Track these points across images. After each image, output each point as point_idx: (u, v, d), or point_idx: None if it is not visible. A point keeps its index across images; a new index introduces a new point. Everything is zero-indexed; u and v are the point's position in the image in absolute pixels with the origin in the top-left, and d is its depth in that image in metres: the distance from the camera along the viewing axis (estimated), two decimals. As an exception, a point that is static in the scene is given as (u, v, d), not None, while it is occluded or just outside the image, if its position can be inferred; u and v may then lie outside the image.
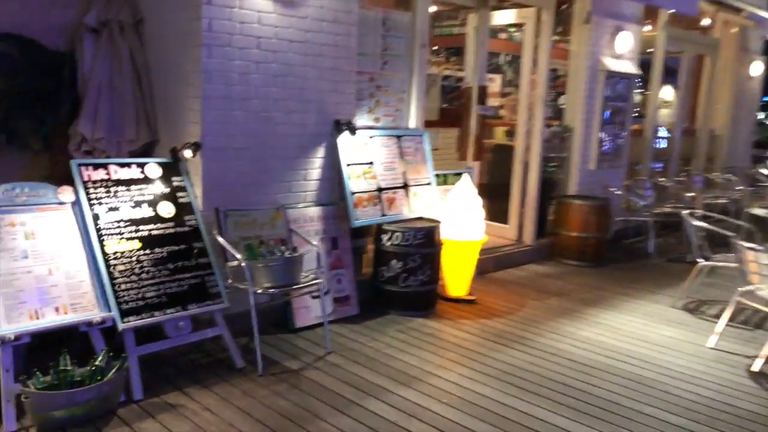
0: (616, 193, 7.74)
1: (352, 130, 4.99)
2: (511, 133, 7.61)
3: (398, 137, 5.51)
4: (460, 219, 5.55)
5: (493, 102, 10.24)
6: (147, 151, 4.71)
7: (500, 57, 10.85)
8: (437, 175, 5.99)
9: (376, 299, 5.29)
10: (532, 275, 6.68)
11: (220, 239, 4.19)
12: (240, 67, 4.39)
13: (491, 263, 6.70)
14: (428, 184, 5.71)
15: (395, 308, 5.23)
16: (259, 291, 4.06)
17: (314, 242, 4.79)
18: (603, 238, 7.20)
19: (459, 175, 6.15)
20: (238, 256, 4.05)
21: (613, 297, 6.03)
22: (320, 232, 4.97)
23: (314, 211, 4.95)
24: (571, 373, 4.28)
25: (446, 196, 5.80)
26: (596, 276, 6.75)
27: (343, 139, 5.03)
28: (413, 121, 5.73)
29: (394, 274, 5.15)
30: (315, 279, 4.35)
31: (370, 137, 5.29)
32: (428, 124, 9.19)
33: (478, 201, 5.69)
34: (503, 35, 10.40)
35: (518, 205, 7.22)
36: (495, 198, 7.84)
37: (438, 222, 5.41)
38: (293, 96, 4.72)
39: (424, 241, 5.14)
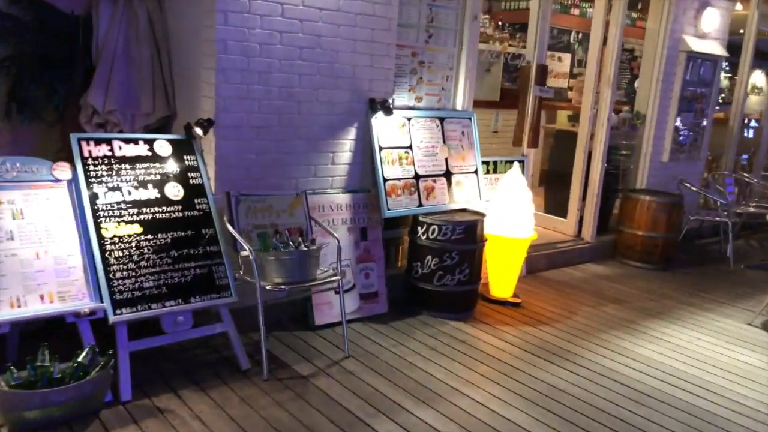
0: (691, 188, 6.95)
1: (388, 110, 4.49)
2: (575, 118, 6.90)
3: (442, 119, 4.97)
4: (506, 213, 4.98)
5: (560, 83, 9.53)
6: (164, 126, 4.36)
7: (571, 35, 10.06)
8: (486, 163, 5.43)
9: (409, 297, 4.81)
10: (589, 276, 6.03)
11: (228, 226, 3.80)
12: (261, 36, 3.95)
13: (544, 261, 6.10)
14: (474, 172, 5.15)
15: (429, 308, 4.73)
16: (268, 287, 3.65)
17: (336, 234, 4.35)
18: (673, 238, 6.45)
19: (511, 163, 5.56)
20: (247, 246, 3.65)
21: (680, 308, 5.33)
22: (348, 221, 4.52)
23: (342, 198, 4.50)
24: (622, 401, 3.69)
25: (494, 187, 5.23)
26: (662, 281, 6.04)
27: (378, 120, 4.54)
28: (461, 102, 5.17)
29: (428, 272, 4.65)
30: (333, 276, 3.90)
31: (409, 119, 4.77)
32: (488, 104, 8.63)
33: (528, 194, 5.09)
34: (576, 11, 9.61)
35: (579, 197, 6.56)
36: (554, 189, 7.19)
37: (482, 215, 4.86)
38: (322, 70, 4.26)
39: (464, 236, 4.61)
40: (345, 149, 4.50)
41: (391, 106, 4.50)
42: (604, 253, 6.65)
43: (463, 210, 5.02)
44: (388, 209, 4.57)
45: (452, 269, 4.62)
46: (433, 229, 4.61)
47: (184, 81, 4.21)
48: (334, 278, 3.90)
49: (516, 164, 5.10)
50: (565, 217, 6.76)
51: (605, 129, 6.39)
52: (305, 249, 3.75)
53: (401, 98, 4.84)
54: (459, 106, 5.19)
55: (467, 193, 5.08)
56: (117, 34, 4.17)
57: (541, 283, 5.70)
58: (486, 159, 5.46)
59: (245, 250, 3.71)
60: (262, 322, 3.63)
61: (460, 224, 4.60)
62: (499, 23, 9.06)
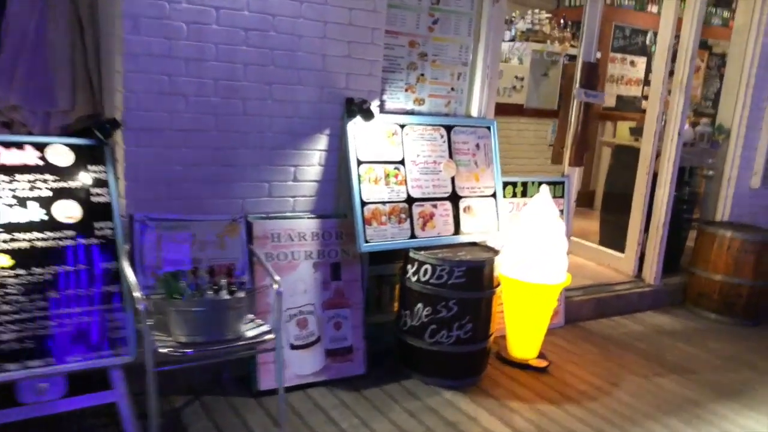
0: (789, 222, 5.52)
1: (367, 113, 3.46)
2: (639, 131, 5.62)
3: (449, 128, 3.89)
4: (529, 251, 3.83)
5: (632, 90, 8.19)
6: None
7: (647, 36, 8.69)
8: (512, 184, 4.30)
9: (399, 354, 3.74)
10: (648, 331, 4.74)
11: (123, 261, 2.86)
12: (189, 13, 3.03)
13: (590, 307, 4.86)
14: (492, 195, 4.03)
15: (420, 371, 3.65)
16: (166, 349, 2.68)
17: (296, 271, 3.36)
18: (763, 286, 5.05)
19: (549, 185, 4.42)
20: (137, 293, 2.70)
21: (768, 385, 4.01)
22: (314, 254, 3.50)
23: (306, 225, 3.49)
24: None
25: (518, 216, 4.09)
26: (746, 342, 4.67)
27: (356, 126, 3.51)
28: (477, 107, 4.07)
29: (418, 324, 3.57)
30: (266, 333, 2.89)
31: (403, 126, 3.71)
32: (545, 114, 7.45)
33: (560, 226, 3.92)
34: (653, 8, 8.25)
35: (640, 229, 5.28)
36: (612, 216, 5.91)
37: (494, 252, 3.73)
38: (277, 60, 3.28)
39: (465, 280, 3.50)
40: (312, 162, 3.50)
41: (370, 108, 3.47)
42: (670, 299, 5.32)
43: (474, 244, 3.91)
44: (366, 241, 3.52)
45: (449, 323, 3.52)
46: (426, 270, 3.53)
47: (108, 71, 3.34)
48: (267, 337, 2.89)
49: (544, 187, 3.93)
50: (622, 252, 5.48)
51: (675, 145, 5.10)
52: (219, 298, 2.76)
53: (394, 100, 3.80)
54: (474, 112, 4.09)
55: (481, 222, 3.97)
56: (30, 11, 3.35)
57: (582, 338, 4.47)
58: (511, 179, 4.33)
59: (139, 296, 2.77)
60: (154, 399, 2.66)
61: (461, 264, 3.50)
62: (561, 21, 7.85)
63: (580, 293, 4.89)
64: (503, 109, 7.34)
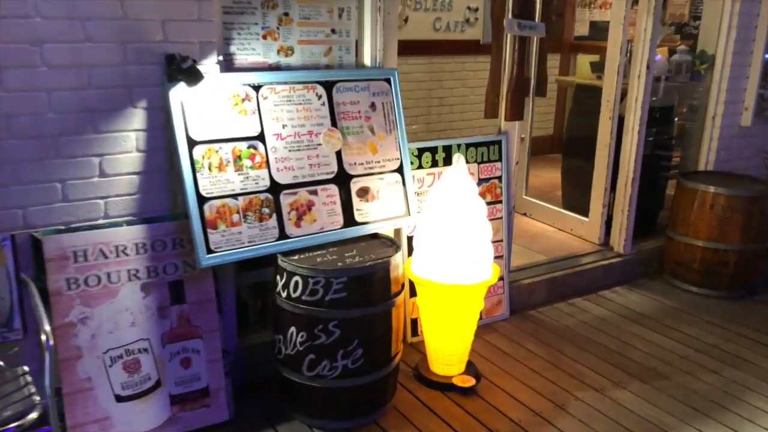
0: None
1: (189, 74, 2.47)
2: (601, 67, 4.61)
3: (328, 85, 2.90)
4: (441, 242, 2.91)
5: (607, 16, 7.08)
6: None
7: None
8: (427, 150, 3.36)
9: (279, 389, 2.88)
10: (613, 316, 3.87)
11: None
12: None
13: (544, 290, 3.99)
14: (397, 170, 3.09)
15: (303, 411, 2.79)
16: None
17: (117, 298, 2.47)
18: (754, 251, 4.15)
19: (482, 146, 3.50)
20: None
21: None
22: (141, 273, 2.59)
23: (127, 235, 2.56)
24: None
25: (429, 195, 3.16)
26: (731, 325, 3.80)
27: (183, 94, 2.54)
28: (370, 52, 3.08)
29: (294, 353, 2.69)
30: (23, 413, 2.01)
31: (258, 86, 2.73)
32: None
33: (480, 207, 2.99)
34: None
35: (605, 187, 4.35)
36: (573, 174, 4.99)
37: (393, 249, 2.82)
38: (44, 6, 2.29)
39: (349, 294, 2.60)
40: (126, 148, 2.55)
41: (194, 67, 2.48)
42: (644, 269, 4.44)
43: (374, 237, 3.00)
44: (211, 251, 2.60)
45: (331, 351, 2.64)
46: (296, 283, 2.62)
47: None
48: (30, 417, 2.01)
49: (458, 158, 2.96)
50: (585, 216, 4.57)
51: (644, 81, 4.11)
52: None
53: (248, 52, 2.80)
54: (368, 60, 3.10)
55: (384, 206, 3.04)
56: None
57: (529, 334, 3.61)
58: (428, 144, 3.38)
59: None
60: None
61: (340, 273, 2.59)
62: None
63: (530, 274, 4.01)
64: (456, 47, 6.30)
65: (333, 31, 2.99)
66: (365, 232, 2.97)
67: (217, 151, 2.61)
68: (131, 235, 2.57)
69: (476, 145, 3.56)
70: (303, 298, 2.60)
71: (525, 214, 5.14)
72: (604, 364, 3.32)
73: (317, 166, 2.86)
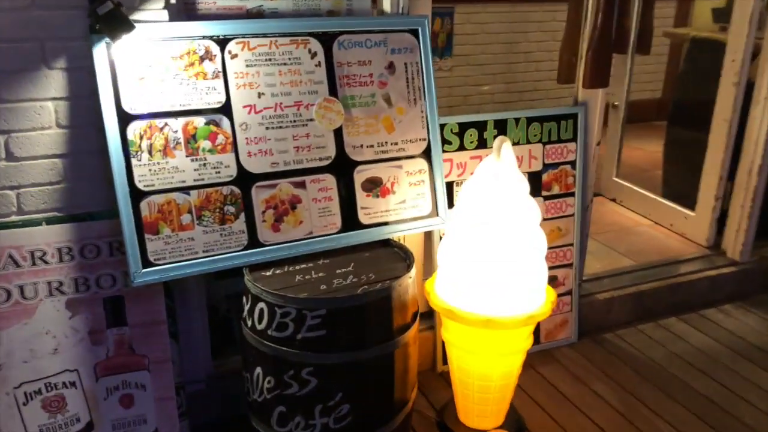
0: None
1: (112, 22, 1.77)
2: (725, 16, 3.53)
3: (326, 37, 2.13)
4: (474, 260, 2.12)
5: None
6: None
7: None
8: (469, 126, 2.55)
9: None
10: (723, 345, 2.95)
11: None
12: None
13: (627, 306, 3.11)
14: (421, 154, 2.30)
15: (279, 469, 2.14)
16: None
17: (33, 318, 1.89)
18: None
19: (551, 120, 2.66)
20: None
21: None
22: (67, 286, 1.98)
23: (47, 236, 1.95)
24: None
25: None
26: None
27: (113, 50, 1.86)
28: (390, -6, 2.28)
29: (261, 400, 2.02)
30: None
31: (223, 40, 2.01)
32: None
33: (532, 212, 2.16)
34: None
35: (720, 174, 3.35)
36: (679, 152, 3.97)
37: (403, 267, 2.06)
38: None
39: (329, 332, 1.87)
40: (42, 123, 1.91)
41: (117, 12, 1.77)
42: (766, 283, 3.43)
43: (386, 244, 2.25)
44: (150, 263, 1.94)
45: (306, 406, 1.94)
46: (261, 311, 1.93)
47: None
48: None
49: (500, 144, 2.11)
50: (692, 209, 3.59)
51: (785, 36, 3.04)
52: None
53: (217, -8, 2.08)
54: (387, 5, 2.30)
55: (403, 203, 2.27)
56: None
57: (601, 366, 2.77)
58: (469, 118, 2.56)
59: None
60: None
61: (318, 305, 1.86)
62: None
63: (610, 285, 3.12)
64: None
65: (338, -36, 2.21)
66: (373, 237, 2.23)
67: (161, 129, 1.93)
68: (53, 236, 1.97)
69: (542, 119, 2.69)
70: (269, 332, 1.92)
71: (614, 200, 4.19)
72: (700, 426, 2.45)
73: (307, 149, 2.13)
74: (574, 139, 2.78)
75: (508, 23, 5.36)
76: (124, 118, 1.88)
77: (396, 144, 2.26)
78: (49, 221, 1.97)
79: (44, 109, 1.90)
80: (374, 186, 2.23)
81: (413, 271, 2.06)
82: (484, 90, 5.46)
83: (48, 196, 1.97)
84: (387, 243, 2.25)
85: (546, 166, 2.75)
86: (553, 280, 2.84)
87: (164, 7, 1.94)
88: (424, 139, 2.31)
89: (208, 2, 2.07)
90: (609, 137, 4.16)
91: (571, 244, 2.87)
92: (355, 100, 2.18)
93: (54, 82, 1.89)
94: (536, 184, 2.75)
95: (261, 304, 1.92)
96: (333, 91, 2.15)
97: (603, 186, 4.26)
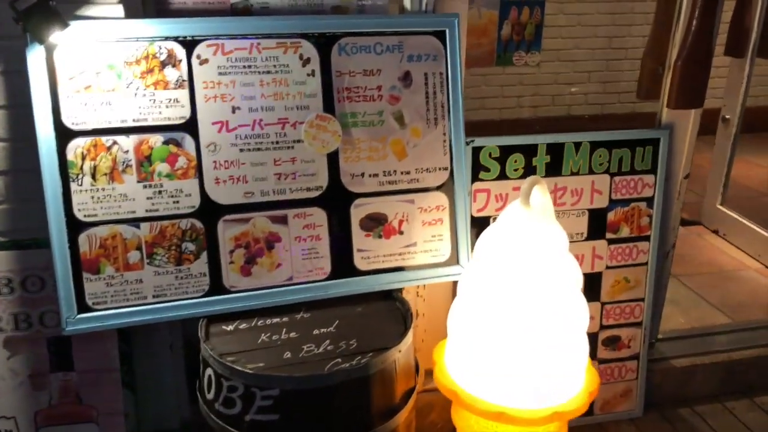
0: None
1: (36, 19, 1.44)
2: None
3: (323, 41, 1.72)
4: (486, 330, 1.65)
5: None
6: None
7: None
8: (510, 151, 2.06)
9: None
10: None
11: None
12: None
13: (715, 373, 2.51)
14: (439, 188, 1.85)
15: None
16: None
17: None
18: None
19: (622, 146, 2.13)
20: None
21: None
22: (4, 323, 1.72)
23: (-16, 266, 1.70)
24: None
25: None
26: None
27: (53, 53, 1.54)
28: (411, -15, 1.83)
29: (214, 478, 1.68)
30: None
31: (190, 42, 1.64)
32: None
33: (571, 274, 1.65)
34: None
35: None
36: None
37: (397, 334, 1.63)
38: None
39: (289, 418, 1.49)
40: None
41: (49, 7, 1.43)
42: None
43: (387, 297, 1.83)
44: (87, 307, 1.63)
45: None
46: (209, 378, 1.58)
47: None
48: None
49: (532, 185, 1.62)
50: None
51: None
52: None
53: (188, -17, 1.72)
54: (408, 2, 1.85)
55: (414, 246, 1.84)
56: None
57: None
58: (514, 141, 2.06)
59: None
60: None
61: (269, 383, 1.48)
62: None
63: (690, 348, 2.53)
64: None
65: (346, -52, 1.78)
66: (370, 287, 1.81)
67: (108, 148, 1.61)
68: (-16, 265, 1.71)
69: (611, 145, 2.14)
70: (216, 407, 1.56)
71: (716, 232, 3.51)
72: None
73: (291, 176, 1.73)
74: (652, 171, 2.21)
75: (609, 14, 4.69)
76: (64, 134, 1.57)
77: (408, 173, 1.82)
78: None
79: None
80: (376, 224, 1.81)
81: (408, 340, 1.63)
82: (575, 90, 4.85)
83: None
84: (389, 295, 1.83)
85: (613, 203, 2.21)
86: (614, 341, 2.31)
87: (119, 2, 1.60)
88: (446, 169, 1.85)
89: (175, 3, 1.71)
90: (715, 156, 3.48)
91: (642, 299, 2.31)
92: (357, 119, 1.76)
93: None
94: (599, 224, 2.21)
95: (209, 371, 1.57)
96: (329, 106, 1.74)
97: (704, 214, 3.58)
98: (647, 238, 2.28)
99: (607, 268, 2.26)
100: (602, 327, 2.29)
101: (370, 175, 1.79)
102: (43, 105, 1.55)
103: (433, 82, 1.82)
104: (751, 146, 3.75)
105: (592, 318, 1.86)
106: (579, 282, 1.68)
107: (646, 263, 2.29)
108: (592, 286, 2.26)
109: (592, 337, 2.17)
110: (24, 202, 1.71)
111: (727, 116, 3.35)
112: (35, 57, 1.53)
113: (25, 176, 1.69)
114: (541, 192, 1.61)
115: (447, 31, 1.81)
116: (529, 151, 2.10)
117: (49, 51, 1.54)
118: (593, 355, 2.26)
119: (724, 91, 3.35)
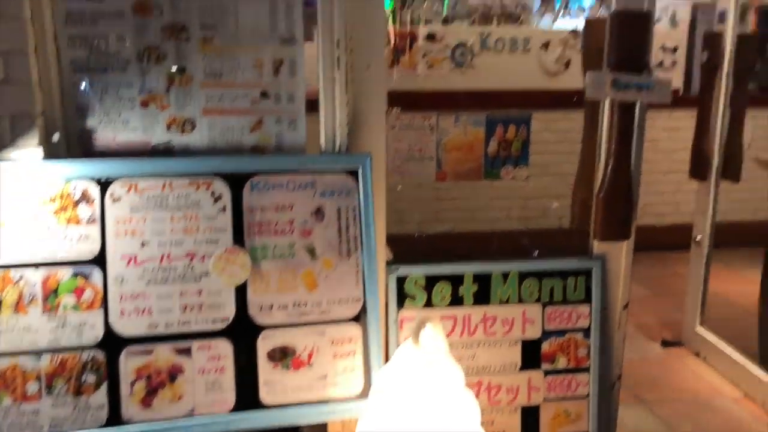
0: None
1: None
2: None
3: (235, 179, 1.80)
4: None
5: None
6: None
7: None
8: (436, 281, 2.08)
9: None
10: None
11: None
12: None
13: None
14: (353, 318, 1.85)
15: None
16: None
17: None
18: None
19: (553, 276, 2.13)
20: None
21: None
22: None
23: None
24: None
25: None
26: None
27: (-34, 193, 1.66)
28: (324, 128, 1.91)
29: None
30: None
31: (105, 182, 1.73)
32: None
33: (470, 409, 1.61)
34: None
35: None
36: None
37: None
38: None
39: None
40: None
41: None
42: None
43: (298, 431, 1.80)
44: (-15, 439, 1.66)
45: None
46: None
47: None
48: None
49: (419, 326, 1.61)
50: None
51: None
52: None
53: (121, 127, 1.83)
54: (323, 139, 1.94)
55: (323, 379, 1.83)
56: None
57: None
58: (441, 270, 2.08)
59: None
60: None
61: None
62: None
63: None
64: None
65: (264, 94, 1.89)
66: (276, 421, 1.79)
67: (15, 282, 1.68)
68: None
69: (539, 275, 2.14)
70: None
71: (697, 355, 3.38)
72: None
73: (197, 308, 1.77)
74: (587, 301, 2.19)
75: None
76: (-28, 268, 1.65)
77: (319, 305, 1.84)
78: None
79: None
80: (284, 356, 1.82)
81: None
82: (566, 203, 4.86)
83: None
84: (297, 430, 1.80)
85: (547, 333, 2.17)
86: (555, 481, 2.20)
87: (40, 144, 1.73)
88: (359, 300, 1.87)
89: (107, 138, 1.83)
90: (690, 277, 3.41)
91: (582, 439, 2.22)
92: (268, 252, 1.81)
93: None
94: (533, 355, 2.17)
95: None
96: (239, 240, 1.80)
97: (685, 335, 3.47)
98: (587, 370, 2.22)
99: (545, 400, 2.20)
100: (541, 465, 2.19)
101: (279, 307, 1.82)
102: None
103: (346, 216, 1.87)
104: (731, 259, 3.68)
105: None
106: (477, 417, 1.64)
107: (587, 396, 2.22)
108: (528, 420, 2.19)
109: (525, 477, 2.08)
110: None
111: (697, 238, 3.31)
112: (-47, 196, 1.64)
113: (-55, 305, 1.76)
114: (431, 332, 1.60)
115: (360, 168, 1.88)
116: (457, 280, 2.11)
117: (-32, 190, 1.65)
118: (530, 496, 2.15)
119: (693, 212, 3.33)
